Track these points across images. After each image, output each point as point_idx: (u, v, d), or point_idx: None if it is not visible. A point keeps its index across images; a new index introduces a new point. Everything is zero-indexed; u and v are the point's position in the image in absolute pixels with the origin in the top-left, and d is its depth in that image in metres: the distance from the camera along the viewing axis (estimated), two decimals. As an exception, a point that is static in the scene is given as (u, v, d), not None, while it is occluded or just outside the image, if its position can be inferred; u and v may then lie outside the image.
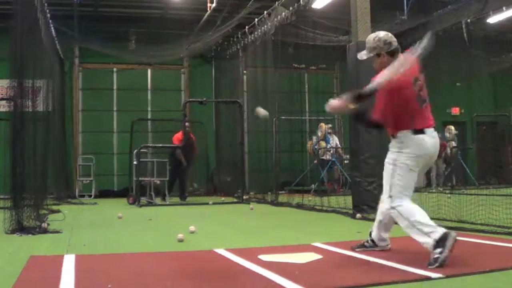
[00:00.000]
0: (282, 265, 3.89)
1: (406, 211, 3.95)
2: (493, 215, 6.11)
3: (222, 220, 8.10)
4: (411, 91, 3.97)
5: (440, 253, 3.65)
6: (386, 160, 4.17)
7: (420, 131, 3.99)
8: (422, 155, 4.03)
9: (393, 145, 4.12)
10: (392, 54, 4.10)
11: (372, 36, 4.22)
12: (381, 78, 3.87)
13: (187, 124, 12.26)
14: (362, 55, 4.26)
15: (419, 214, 3.92)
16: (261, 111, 5.56)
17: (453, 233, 3.74)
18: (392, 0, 11.96)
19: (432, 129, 4.07)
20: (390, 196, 4.05)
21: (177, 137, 12.17)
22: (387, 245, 4.47)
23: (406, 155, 4.00)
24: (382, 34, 4.18)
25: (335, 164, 13.16)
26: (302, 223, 7.43)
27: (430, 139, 4.02)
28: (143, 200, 11.18)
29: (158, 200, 11.72)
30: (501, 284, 3.28)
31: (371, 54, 4.17)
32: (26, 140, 6.80)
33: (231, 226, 6.73)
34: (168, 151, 12.45)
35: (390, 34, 4.19)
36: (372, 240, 4.48)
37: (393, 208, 4.02)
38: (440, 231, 3.76)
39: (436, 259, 3.65)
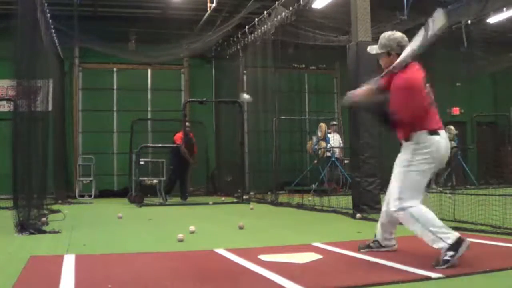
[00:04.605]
0: (282, 265, 3.89)
1: (418, 213, 3.86)
2: (493, 215, 6.10)
3: (222, 220, 8.10)
4: (424, 91, 3.96)
5: (452, 256, 3.63)
6: (398, 161, 4.07)
7: (435, 132, 3.94)
8: (437, 157, 3.95)
9: (407, 147, 4.00)
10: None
11: (388, 33, 4.16)
12: (404, 54, 3.90)
13: (187, 124, 12.27)
14: (373, 49, 4.22)
15: (433, 217, 3.85)
16: (245, 97, 6.02)
17: (468, 241, 3.71)
18: (392, 0, 11.96)
19: (443, 131, 4.02)
20: (400, 199, 3.93)
21: (179, 136, 12.21)
22: (394, 245, 4.41)
23: (422, 158, 3.91)
24: (398, 34, 4.13)
25: (335, 163, 13.15)
26: (302, 223, 7.42)
27: (444, 140, 3.98)
28: (150, 200, 11.28)
29: (159, 200, 11.75)
30: (501, 284, 3.28)
31: (381, 51, 4.12)
32: (26, 140, 6.79)
33: (231, 226, 6.73)
34: (170, 150, 12.47)
35: (406, 38, 4.11)
36: (377, 241, 4.44)
37: (402, 209, 3.90)
38: (453, 235, 3.72)
39: (446, 261, 3.63)
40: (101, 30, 13.33)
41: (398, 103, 3.91)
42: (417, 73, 3.98)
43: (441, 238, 3.73)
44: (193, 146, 12.45)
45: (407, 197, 3.91)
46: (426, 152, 3.91)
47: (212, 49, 15.30)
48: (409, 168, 3.95)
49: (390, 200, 4.05)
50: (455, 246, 3.67)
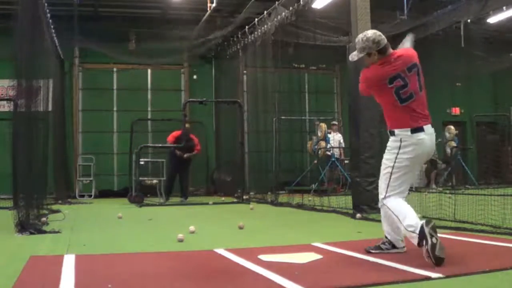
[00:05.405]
0: (282, 265, 3.89)
1: (393, 205, 4.00)
2: (493, 215, 6.11)
3: (222, 220, 8.10)
4: (387, 91, 4.06)
5: (427, 242, 3.66)
6: (384, 159, 4.18)
7: (419, 129, 4.00)
8: (420, 155, 4.05)
9: (391, 144, 4.12)
10: (383, 52, 4.14)
11: (360, 36, 4.23)
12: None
13: (187, 125, 12.22)
14: (353, 56, 4.29)
15: (406, 212, 3.94)
16: None
17: (425, 222, 3.74)
18: (392, 0, 11.95)
19: (429, 125, 4.08)
20: (385, 197, 4.09)
21: (173, 135, 12.16)
22: (403, 247, 4.30)
23: (405, 156, 4.01)
24: (370, 33, 4.20)
25: (336, 163, 13.16)
26: (302, 223, 7.42)
27: (428, 136, 4.04)
28: (150, 200, 11.27)
29: (159, 200, 11.77)
30: (501, 284, 3.28)
31: (362, 54, 4.20)
32: (26, 140, 6.79)
33: (231, 226, 6.72)
34: (168, 150, 12.47)
35: (378, 33, 4.21)
36: (390, 242, 4.30)
37: (384, 205, 4.07)
38: (418, 229, 3.76)
39: (425, 253, 3.67)
40: (101, 30, 13.33)
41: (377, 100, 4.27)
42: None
43: (412, 230, 3.81)
44: (193, 148, 12.30)
45: (390, 195, 4.06)
46: (408, 151, 4.05)
47: (212, 49, 15.30)
48: (394, 168, 4.10)
49: (380, 198, 4.21)
50: (422, 231, 3.70)
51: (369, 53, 4.16)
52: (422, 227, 3.71)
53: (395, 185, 4.07)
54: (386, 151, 4.17)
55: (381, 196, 4.14)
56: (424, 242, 3.66)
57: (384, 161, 4.17)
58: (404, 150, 4.01)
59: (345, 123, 13.34)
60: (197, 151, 12.31)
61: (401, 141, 4.02)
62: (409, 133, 3.99)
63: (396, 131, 4.06)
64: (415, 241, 3.79)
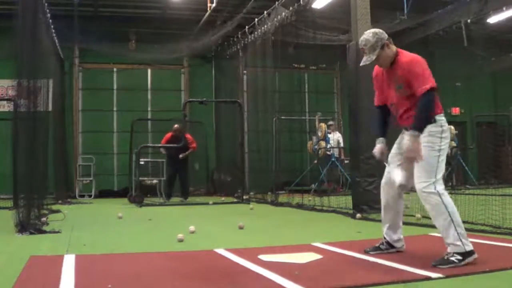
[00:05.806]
0: (282, 265, 3.89)
1: (450, 203, 3.80)
2: (493, 215, 6.10)
3: (222, 220, 8.10)
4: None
5: (459, 260, 3.64)
6: (424, 144, 3.89)
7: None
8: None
9: (432, 129, 3.92)
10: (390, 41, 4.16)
11: (365, 37, 4.09)
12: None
13: (176, 126, 12.17)
14: (371, 57, 4.06)
15: (459, 217, 3.82)
16: None
17: (476, 255, 3.73)
18: (392, 0, 11.96)
19: None
20: (437, 180, 3.83)
21: (166, 137, 12.23)
22: (402, 245, 4.32)
23: (446, 140, 3.96)
24: (372, 30, 4.18)
25: (335, 163, 13.15)
26: (302, 223, 7.42)
27: None
28: (150, 200, 11.28)
29: (159, 200, 11.77)
30: (501, 284, 3.28)
31: (378, 49, 4.02)
32: (26, 140, 6.79)
33: (231, 226, 6.72)
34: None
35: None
36: (387, 242, 4.31)
37: (438, 193, 3.79)
38: (471, 245, 3.73)
39: (450, 262, 3.64)
40: (101, 30, 13.34)
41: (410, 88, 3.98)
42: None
43: (461, 241, 3.70)
44: (187, 147, 12.11)
45: (439, 180, 3.86)
46: (447, 136, 3.99)
47: (212, 49, 15.30)
48: (440, 152, 3.90)
49: (417, 181, 3.89)
50: (468, 254, 3.69)
51: (383, 45, 4.03)
52: (472, 252, 3.71)
53: (441, 169, 3.89)
54: (424, 136, 3.89)
55: (431, 180, 3.81)
56: (461, 258, 3.66)
57: (426, 144, 3.88)
58: (445, 135, 3.95)
59: (345, 123, 13.33)
60: (192, 149, 12.25)
61: (441, 126, 3.95)
62: (444, 117, 4.00)
63: (437, 117, 3.96)
64: (458, 249, 3.70)
